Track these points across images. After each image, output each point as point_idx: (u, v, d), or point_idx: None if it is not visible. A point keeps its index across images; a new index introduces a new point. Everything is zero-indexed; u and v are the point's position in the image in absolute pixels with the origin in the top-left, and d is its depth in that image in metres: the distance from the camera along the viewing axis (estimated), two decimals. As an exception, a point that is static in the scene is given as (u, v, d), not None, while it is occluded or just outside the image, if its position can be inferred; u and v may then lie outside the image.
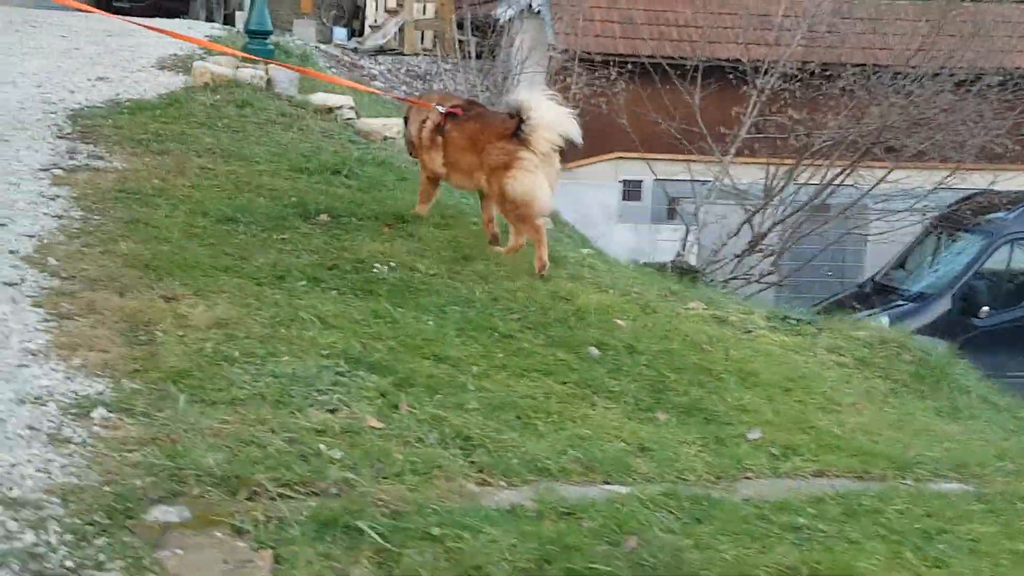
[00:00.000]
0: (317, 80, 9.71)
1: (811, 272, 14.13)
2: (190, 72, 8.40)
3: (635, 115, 13.59)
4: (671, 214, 15.32)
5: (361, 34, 17.77)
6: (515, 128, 5.41)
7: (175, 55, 9.15)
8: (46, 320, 4.01)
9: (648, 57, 13.91)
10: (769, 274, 12.51)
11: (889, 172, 12.80)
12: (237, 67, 8.33)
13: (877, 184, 12.85)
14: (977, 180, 13.61)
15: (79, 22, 10.34)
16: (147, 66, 8.92)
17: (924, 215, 13.30)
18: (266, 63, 8.23)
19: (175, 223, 5.29)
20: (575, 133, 5.43)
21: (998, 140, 13.11)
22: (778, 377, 5.10)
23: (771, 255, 12.55)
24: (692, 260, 12.25)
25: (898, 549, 3.49)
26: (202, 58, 9.08)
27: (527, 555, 2.98)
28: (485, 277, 5.36)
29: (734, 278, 12.06)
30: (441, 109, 5.80)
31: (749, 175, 13.00)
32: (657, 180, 14.46)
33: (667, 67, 13.56)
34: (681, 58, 13.60)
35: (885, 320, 10.83)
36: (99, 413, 3.36)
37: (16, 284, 4.34)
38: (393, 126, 8.12)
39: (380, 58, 16.12)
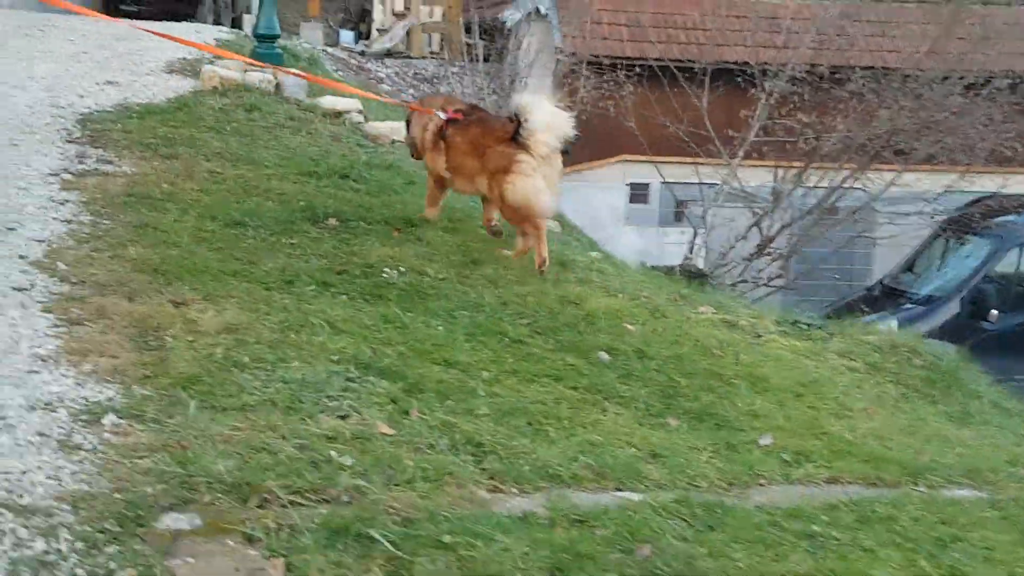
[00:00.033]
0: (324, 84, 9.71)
1: (819, 275, 14.09)
2: (199, 76, 8.41)
3: (643, 118, 13.57)
4: (678, 217, 15.29)
5: (368, 37, 17.78)
6: (514, 132, 5.44)
7: (184, 59, 9.15)
8: (56, 325, 4.00)
9: (656, 60, 13.89)
10: (777, 277, 12.47)
11: (899, 175, 12.75)
12: (245, 71, 8.33)
13: (887, 188, 12.81)
14: (987, 183, 13.57)
15: (88, 26, 10.35)
16: (156, 70, 8.92)
17: (932, 218, 13.25)
18: (269, 67, 8.20)
19: (184, 227, 5.29)
20: (572, 134, 5.48)
21: (1008, 143, 13.06)
22: (789, 382, 5.08)
23: (779, 258, 12.51)
24: (700, 263, 12.22)
25: (913, 557, 3.47)
26: (211, 62, 9.09)
27: (540, 564, 2.97)
28: (494, 281, 5.35)
29: (742, 281, 12.03)
30: (442, 115, 5.81)
31: (757, 178, 12.97)
32: (664, 183, 14.43)
33: (675, 70, 13.54)
34: (689, 61, 13.58)
35: (894, 323, 10.79)
36: (109, 419, 3.34)
37: (26, 289, 4.33)
38: (401, 130, 8.11)
39: (387, 61, 16.13)
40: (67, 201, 5.59)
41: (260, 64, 8.12)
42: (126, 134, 6.96)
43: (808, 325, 6.15)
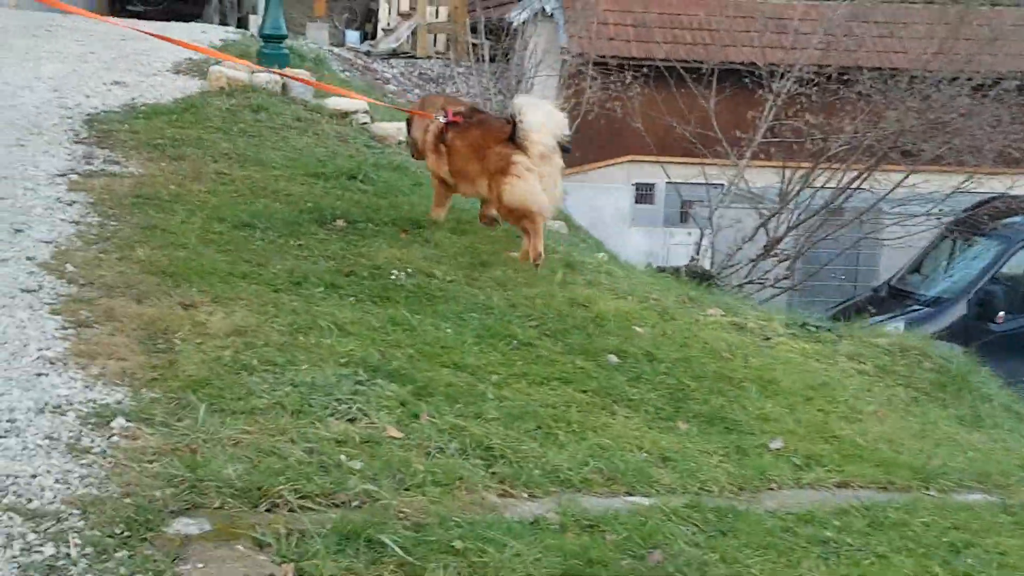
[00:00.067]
0: (332, 84, 9.69)
1: (825, 276, 14.05)
2: (206, 76, 8.40)
3: (649, 119, 13.54)
4: (684, 217, 15.26)
5: (374, 37, 17.76)
6: (511, 133, 5.46)
7: (190, 59, 9.14)
8: (64, 328, 3.99)
9: (663, 60, 13.85)
10: (784, 279, 12.44)
11: (906, 176, 12.71)
12: (252, 71, 8.32)
13: (894, 189, 12.77)
14: (995, 185, 13.52)
15: (94, 26, 10.34)
16: (163, 70, 8.91)
17: (940, 219, 13.21)
18: (263, 68, 8.18)
19: (192, 229, 5.28)
20: (568, 133, 5.54)
21: (1015, 144, 13.00)
22: (799, 385, 5.06)
23: (786, 259, 12.47)
24: (706, 264, 12.19)
25: (926, 563, 3.44)
26: (218, 62, 9.08)
27: (551, 570, 2.95)
28: (503, 284, 5.34)
29: (749, 282, 11.99)
30: (442, 119, 5.81)
31: (763, 179, 12.93)
32: (670, 183, 14.40)
33: (682, 71, 13.51)
34: (696, 62, 13.54)
35: (901, 325, 10.76)
36: (118, 423, 3.33)
37: (34, 291, 4.32)
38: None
39: (393, 61, 16.10)
40: (74, 202, 5.58)
41: (249, 65, 8.09)
42: (133, 135, 6.95)
43: (817, 327, 6.12)
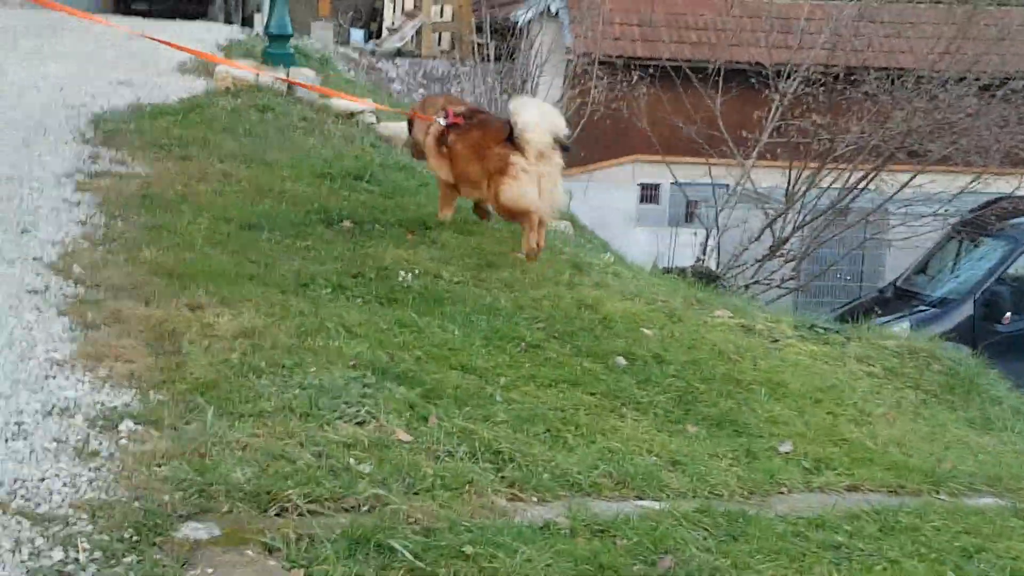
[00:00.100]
0: (338, 84, 9.68)
1: (830, 276, 14.02)
2: (212, 76, 8.39)
3: (654, 118, 13.52)
4: (689, 218, 15.23)
5: (379, 36, 17.76)
6: (509, 134, 5.47)
7: (196, 58, 9.13)
8: (71, 329, 3.98)
9: (669, 60, 13.83)
10: (790, 279, 12.41)
11: (913, 177, 12.68)
12: (258, 71, 8.31)
13: (900, 189, 12.73)
14: (1002, 185, 13.47)
15: (99, 25, 10.33)
16: (168, 70, 8.91)
17: (946, 220, 13.17)
18: (276, 76, 8.16)
19: (198, 230, 5.26)
20: (563, 128, 5.55)
21: (1023, 145, 12.97)
22: (808, 388, 5.03)
23: (792, 260, 12.45)
24: (712, 265, 12.16)
25: (939, 569, 3.42)
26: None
27: (562, 575, 2.93)
28: (510, 285, 5.32)
29: (755, 283, 11.97)
30: (442, 122, 5.80)
31: (769, 179, 12.91)
32: (675, 183, 14.38)
33: (688, 71, 13.49)
34: (702, 61, 13.52)
35: (906, 325, 10.72)
36: (126, 426, 3.31)
37: (41, 292, 4.31)
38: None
39: (398, 61, 16.10)
40: (81, 202, 5.57)
41: (253, 69, 8.07)
42: (139, 135, 6.95)
43: (825, 329, 6.09)
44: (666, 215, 15.87)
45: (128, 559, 2.70)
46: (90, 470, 3.06)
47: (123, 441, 3.24)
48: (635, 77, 13.52)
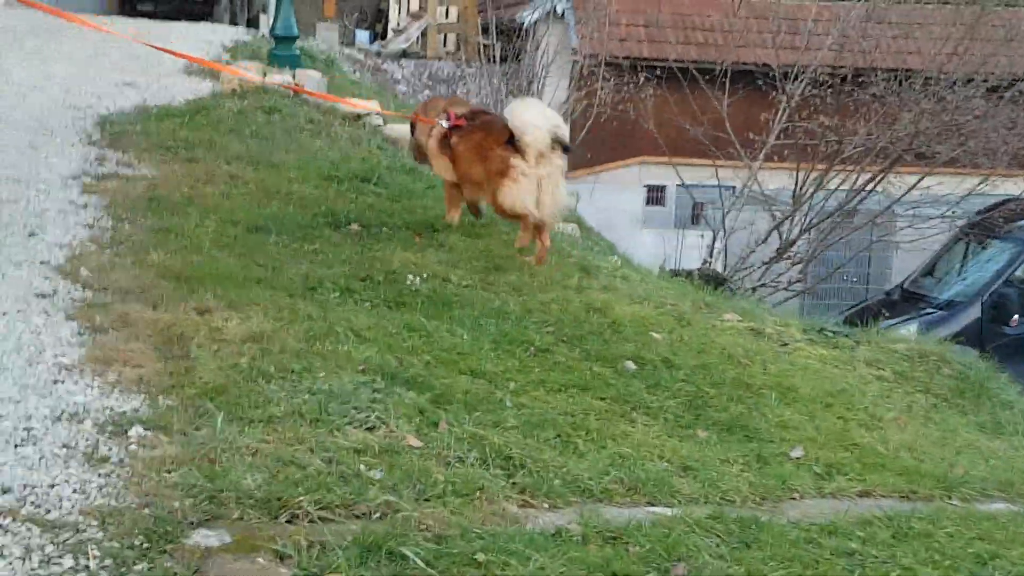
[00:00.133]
0: (344, 85, 9.67)
1: (837, 279, 13.98)
2: (218, 77, 8.37)
3: (661, 120, 13.50)
4: (695, 219, 15.20)
5: (384, 37, 17.73)
6: (511, 135, 5.48)
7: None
8: (80, 334, 3.96)
9: (675, 61, 13.80)
10: (797, 281, 12.38)
11: (921, 179, 12.64)
12: (265, 73, 8.29)
13: (908, 191, 12.70)
14: (1010, 187, 13.44)
15: (106, 26, 10.32)
16: (174, 71, 8.89)
17: (953, 222, 13.13)
18: (280, 84, 8.12)
19: (206, 232, 5.25)
20: (561, 127, 5.57)
21: (1031, 147, 12.95)
22: (818, 392, 5.01)
23: (799, 262, 12.41)
24: (719, 267, 12.13)
25: (953, 576, 3.39)
26: (229, 62, 9.06)
27: (575, 583, 2.90)
28: (518, 288, 5.30)
29: (762, 285, 11.94)
30: (445, 124, 5.78)
31: (776, 181, 12.88)
32: (681, 185, 14.35)
33: (695, 72, 13.46)
34: (709, 63, 13.49)
35: (914, 328, 10.69)
36: (136, 431, 3.29)
37: (48, 296, 4.30)
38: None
39: (403, 62, 16.06)
40: (87, 205, 5.56)
41: (255, 78, 8.05)
42: (145, 136, 6.94)
43: (835, 333, 6.06)
44: (672, 217, 15.84)
45: (139, 567, 2.68)
46: (100, 476, 3.04)
47: (133, 447, 3.22)
48: (641, 78, 13.49)
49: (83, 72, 8.86)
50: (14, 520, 2.77)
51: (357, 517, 3.03)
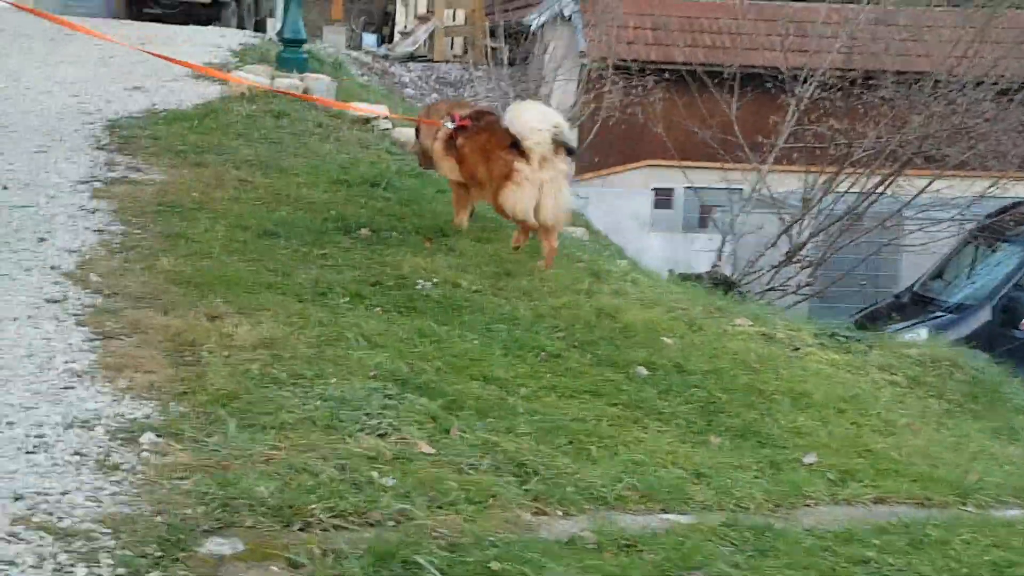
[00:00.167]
0: (352, 89, 9.66)
1: (846, 282, 13.93)
2: (226, 82, 8.36)
3: (669, 123, 13.48)
4: (703, 223, 15.17)
5: (391, 41, 17.75)
6: (513, 138, 5.46)
7: (210, 64, 9.12)
8: (90, 339, 3.95)
9: (683, 64, 13.78)
10: (806, 285, 12.34)
11: (930, 183, 12.60)
12: (273, 76, 8.29)
13: (918, 195, 12.66)
14: (1020, 190, 13.39)
15: (113, 30, 10.33)
16: (182, 75, 8.88)
17: (963, 225, 13.09)
18: (286, 92, 8.10)
19: (216, 237, 5.23)
20: (564, 129, 5.55)
21: (1041, 149, 12.91)
22: (831, 397, 4.98)
23: (809, 266, 12.38)
24: (728, 271, 12.10)
25: (971, 585, 3.36)
26: (238, 67, 9.05)
27: (590, 592, 2.88)
28: (529, 293, 5.28)
29: (771, 289, 11.90)
30: (450, 125, 5.76)
31: (785, 184, 12.85)
32: (688, 188, 14.32)
33: (703, 75, 13.44)
34: (717, 66, 13.47)
35: (923, 332, 10.65)
36: (148, 438, 3.27)
37: (59, 301, 4.29)
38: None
39: (411, 65, 16.08)
40: (97, 210, 5.55)
41: (258, 86, 8.03)
42: (154, 141, 6.93)
43: (847, 337, 6.03)
44: (680, 220, 15.81)
45: (152, 575, 2.67)
46: (112, 484, 3.02)
47: (145, 454, 3.20)
48: (650, 82, 13.47)
49: (92, 76, 8.87)
50: (27, 528, 2.75)
51: (370, 525, 3.01)
